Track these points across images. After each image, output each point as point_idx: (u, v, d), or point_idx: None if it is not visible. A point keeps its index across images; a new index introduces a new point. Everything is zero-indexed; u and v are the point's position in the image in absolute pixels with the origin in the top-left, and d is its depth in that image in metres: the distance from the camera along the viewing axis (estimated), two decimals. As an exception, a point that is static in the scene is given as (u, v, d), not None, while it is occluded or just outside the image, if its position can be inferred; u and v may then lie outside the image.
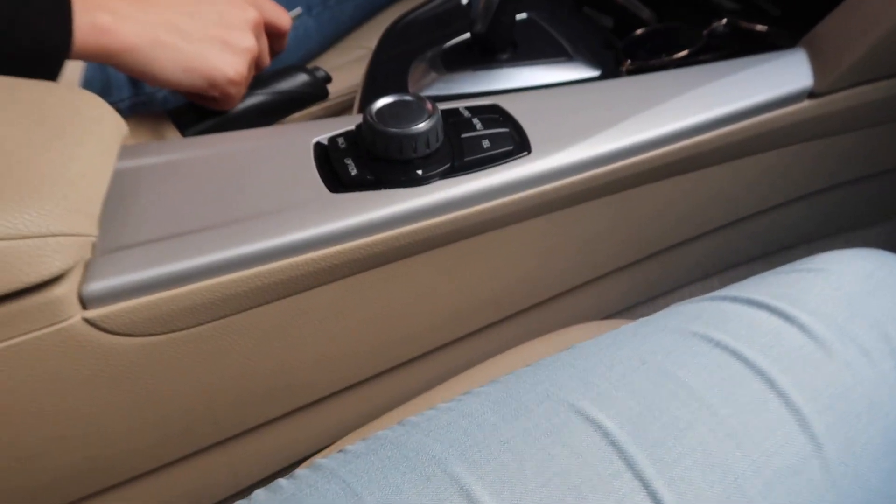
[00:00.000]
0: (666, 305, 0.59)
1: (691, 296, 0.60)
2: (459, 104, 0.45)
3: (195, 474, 0.44)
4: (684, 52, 0.55)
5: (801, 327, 0.33)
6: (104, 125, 0.38)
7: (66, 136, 0.36)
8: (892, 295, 0.35)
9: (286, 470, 0.48)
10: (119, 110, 0.65)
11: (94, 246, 0.35)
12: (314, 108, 0.59)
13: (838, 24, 0.47)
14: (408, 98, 0.41)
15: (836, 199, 0.58)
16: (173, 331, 0.37)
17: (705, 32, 0.56)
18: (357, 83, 0.65)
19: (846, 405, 0.31)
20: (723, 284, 0.60)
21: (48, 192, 0.32)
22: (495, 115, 0.44)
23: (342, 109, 0.64)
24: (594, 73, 0.55)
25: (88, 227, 0.34)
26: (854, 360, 0.33)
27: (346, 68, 0.68)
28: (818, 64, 0.47)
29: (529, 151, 0.42)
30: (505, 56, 0.56)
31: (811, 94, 0.48)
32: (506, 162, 0.41)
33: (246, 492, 0.44)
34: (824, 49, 0.47)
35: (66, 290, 0.33)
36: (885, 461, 0.32)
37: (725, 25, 0.56)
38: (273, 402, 0.44)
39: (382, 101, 0.41)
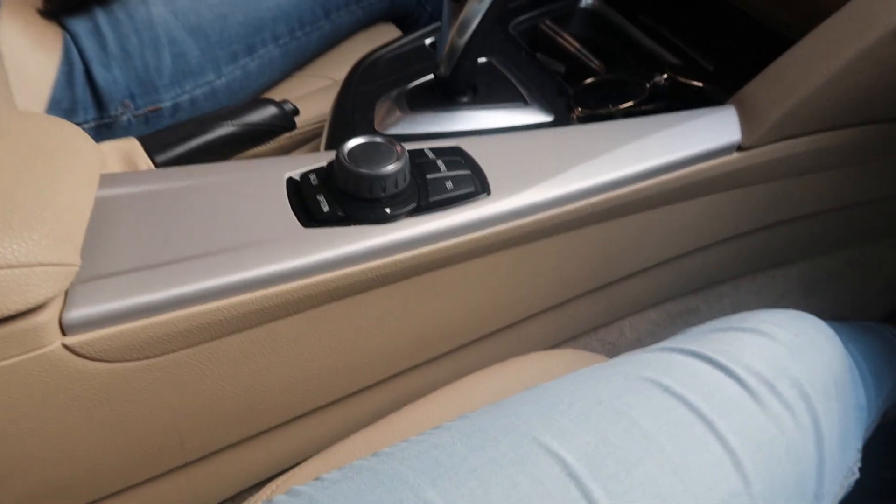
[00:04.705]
0: (608, 335, 0.64)
1: (631, 326, 0.65)
2: (424, 145, 0.49)
3: (159, 496, 0.45)
4: (629, 103, 0.59)
5: (738, 380, 0.38)
6: (85, 156, 0.40)
7: (51, 168, 0.37)
8: (811, 359, 0.41)
9: (248, 491, 0.49)
10: (84, 131, 0.65)
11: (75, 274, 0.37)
12: (282, 138, 0.61)
13: (763, 87, 0.53)
14: (378, 140, 0.44)
15: (760, 240, 0.64)
16: (148, 357, 0.38)
17: (648, 85, 0.61)
18: (323, 113, 0.68)
19: (771, 450, 0.36)
20: (659, 316, 0.66)
21: (36, 223, 0.34)
22: (458, 157, 0.47)
23: (308, 139, 0.66)
24: (548, 118, 0.59)
25: (72, 256, 0.35)
26: (779, 413, 0.37)
27: (311, 98, 0.70)
28: (746, 121, 0.53)
29: (489, 193, 0.45)
30: (465, 99, 0.59)
31: (739, 147, 0.53)
32: (467, 202, 0.45)
33: (210, 512, 0.45)
34: (751, 108, 0.53)
35: (48, 318, 0.34)
36: (797, 499, 0.37)
37: (666, 79, 0.62)
38: (238, 426, 0.45)
39: (354, 142, 0.44)
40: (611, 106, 0.60)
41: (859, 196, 0.64)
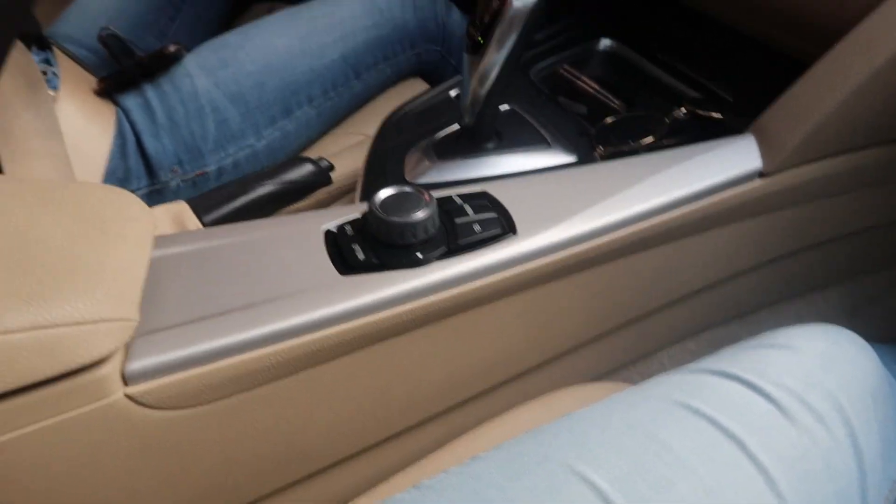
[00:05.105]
0: (646, 368, 0.64)
1: (670, 358, 0.65)
2: (452, 191, 0.51)
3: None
4: (650, 139, 0.61)
5: (767, 396, 0.38)
6: (140, 221, 0.43)
7: (110, 232, 0.40)
8: (843, 370, 0.41)
9: (299, 533, 0.51)
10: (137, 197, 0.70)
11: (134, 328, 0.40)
12: (319, 193, 0.65)
13: (779, 114, 0.54)
14: (407, 189, 0.47)
15: (794, 265, 0.64)
16: (201, 404, 0.41)
17: (668, 120, 0.63)
18: (357, 167, 0.71)
19: (806, 465, 0.36)
20: (698, 346, 0.66)
21: (98, 283, 0.37)
22: (484, 201, 0.49)
23: (344, 192, 0.70)
24: (571, 158, 0.61)
25: (132, 312, 0.38)
26: (812, 427, 0.37)
27: (346, 154, 0.74)
28: (765, 147, 0.54)
29: (515, 233, 0.47)
30: (491, 145, 0.62)
31: (761, 174, 0.54)
32: (495, 243, 0.46)
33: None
34: (769, 135, 0.54)
35: (111, 370, 0.37)
36: None
37: (685, 113, 0.63)
38: (288, 469, 0.47)
39: (385, 193, 0.47)
40: (632, 142, 0.61)
41: (890, 215, 0.64)
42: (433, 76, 0.93)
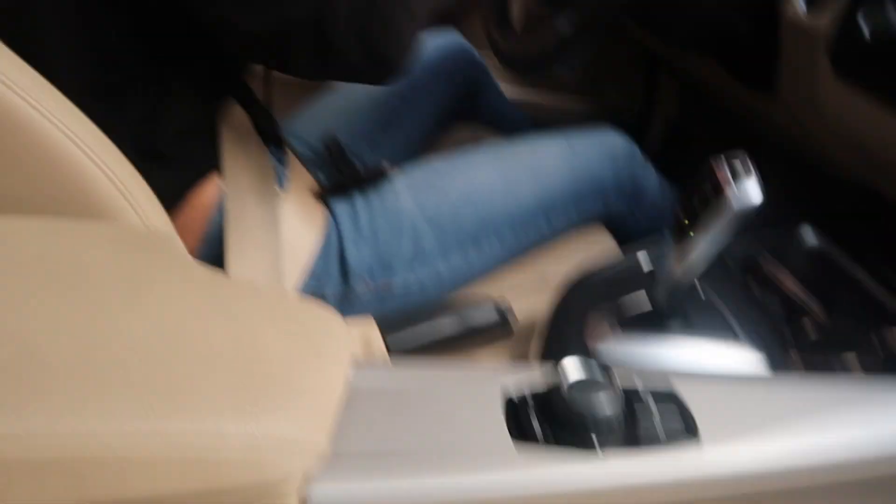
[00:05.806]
0: None
1: None
2: (638, 380, 0.50)
3: None
4: (853, 356, 0.57)
5: None
6: (344, 343, 0.46)
7: (322, 353, 0.43)
8: None
9: None
10: (328, 299, 0.75)
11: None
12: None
13: None
14: (599, 379, 0.47)
15: None
16: None
17: (875, 338, 0.59)
18: (531, 308, 0.72)
19: None
20: None
21: (303, 402, 0.39)
22: (671, 403, 0.48)
23: (520, 335, 0.71)
24: (759, 357, 0.59)
25: (324, 437, 0.40)
26: None
27: (522, 293, 0.76)
28: None
29: (699, 440, 0.45)
30: (676, 325, 0.61)
31: None
32: (676, 447, 0.45)
33: None
34: None
35: (290, 490, 0.39)
36: None
37: (898, 337, 0.59)
38: None
39: (573, 374, 0.47)
40: (833, 357, 0.58)
41: None
42: (617, 227, 0.94)
